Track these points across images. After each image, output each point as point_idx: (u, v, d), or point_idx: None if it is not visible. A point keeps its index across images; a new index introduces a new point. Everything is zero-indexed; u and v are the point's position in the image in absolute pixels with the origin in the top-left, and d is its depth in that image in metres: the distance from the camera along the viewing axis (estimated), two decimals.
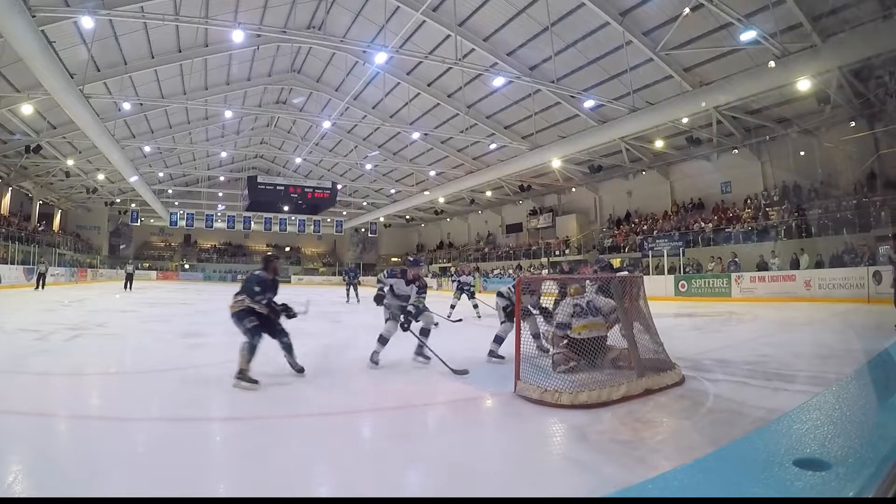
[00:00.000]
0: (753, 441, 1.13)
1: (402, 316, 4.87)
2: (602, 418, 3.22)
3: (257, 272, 4.43)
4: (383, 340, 4.89)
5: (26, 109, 15.88)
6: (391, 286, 5.15)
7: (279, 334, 4.33)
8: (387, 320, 5.05)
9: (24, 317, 9.03)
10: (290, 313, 4.35)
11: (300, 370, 4.36)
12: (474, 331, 7.73)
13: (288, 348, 4.35)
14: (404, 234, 41.81)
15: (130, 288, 20.33)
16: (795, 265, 13.83)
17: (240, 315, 4.17)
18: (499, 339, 5.19)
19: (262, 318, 4.20)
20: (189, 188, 32.11)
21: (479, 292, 14.16)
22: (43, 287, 16.82)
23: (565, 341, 4.43)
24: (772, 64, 11.18)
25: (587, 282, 5.00)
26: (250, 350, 3.99)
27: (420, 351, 5.11)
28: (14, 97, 15.21)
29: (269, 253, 4.07)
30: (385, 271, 5.80)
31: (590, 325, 4.40)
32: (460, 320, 9.00)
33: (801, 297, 12.58)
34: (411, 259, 5.57)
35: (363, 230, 39.50)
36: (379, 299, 5.24)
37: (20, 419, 3.06)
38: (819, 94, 12.64)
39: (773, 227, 15.76)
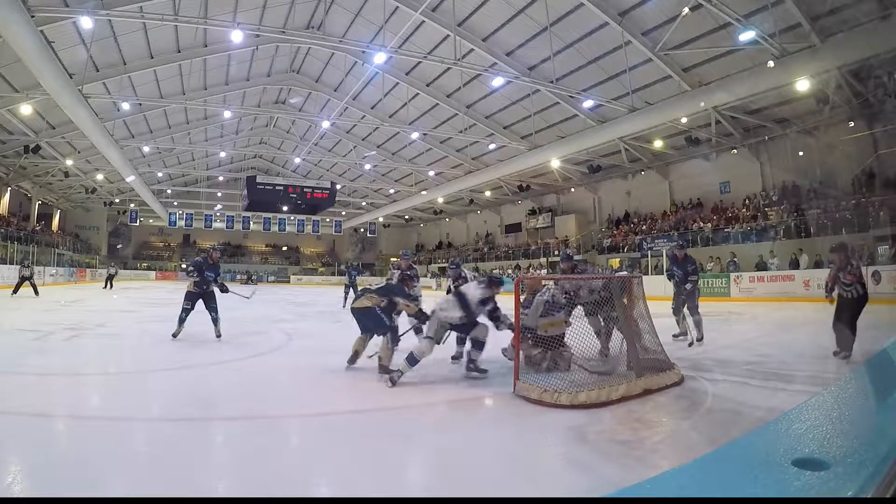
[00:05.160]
0: (752, 441, 1.13)
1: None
2: (601, 418, 3.23)
3: (197, 258, 6.71)
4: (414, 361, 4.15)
5: (25, 109, 15.86)
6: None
7: (210, 309, 6.52)
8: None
9: (22, 317, 9.01)
10: (224, 288, 6.69)
11: (218, 335, 6.46)
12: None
13: (215, 321, 6.53)
14: (403, 234, 41.80)
15: (111, 287, 21.03)
16: (794, 265, 13.86)
17: (188, 296, 6.44)
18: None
19: (196, 297, 6.46)
20: (188, 188, 32.09)
21: None
22: (36, 293, 14.17)
23: (529, 339, 4.48)
24: (771, 64, 11.20)
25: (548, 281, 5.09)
26: (180, 322, 6.41)
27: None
28: (13, 97, 15.19)
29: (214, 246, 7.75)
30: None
31: (555, 323, 4.50)
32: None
33: (800, 296, 12.60)
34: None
35: (362, 230, 39.48)
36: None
37: (19, 419, 3.05)
38: (818, 95, 12.67)
39: (771, 227, 15.79)
